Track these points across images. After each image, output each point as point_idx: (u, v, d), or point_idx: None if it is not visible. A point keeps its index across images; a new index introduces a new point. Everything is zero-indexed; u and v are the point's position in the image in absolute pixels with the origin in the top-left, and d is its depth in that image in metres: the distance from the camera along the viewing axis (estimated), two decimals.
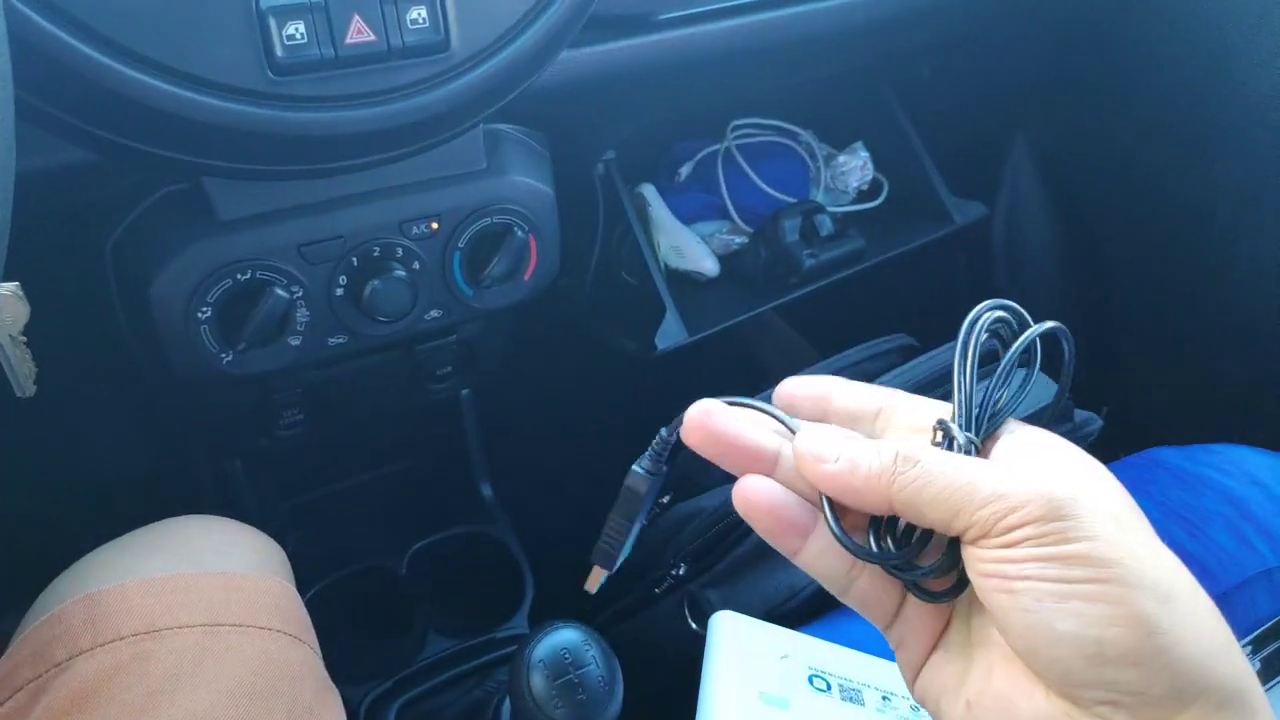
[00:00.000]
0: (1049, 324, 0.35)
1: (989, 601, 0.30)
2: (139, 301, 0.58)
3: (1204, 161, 0.89)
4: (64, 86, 0.47)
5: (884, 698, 0.57)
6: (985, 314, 0.34)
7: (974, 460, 0.31)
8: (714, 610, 0.62)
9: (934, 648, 0.33)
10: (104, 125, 0.50)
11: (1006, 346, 0.35)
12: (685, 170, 0.99)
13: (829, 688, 0.57)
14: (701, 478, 0.77)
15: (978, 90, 1.09)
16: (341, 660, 0.74)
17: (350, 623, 0.81)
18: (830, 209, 0.97)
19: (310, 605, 0.79)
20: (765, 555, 0.69)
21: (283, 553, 0.56)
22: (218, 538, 0.52)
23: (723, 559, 0.70)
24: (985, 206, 1.05)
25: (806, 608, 0.66)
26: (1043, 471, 0.31)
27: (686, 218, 0.97)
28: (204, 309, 0.57)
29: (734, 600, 0.69)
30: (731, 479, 0.74)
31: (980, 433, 0.33)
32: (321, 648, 0.55)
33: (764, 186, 0.98)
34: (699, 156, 0.99)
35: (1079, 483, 0.30)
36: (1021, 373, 0.35)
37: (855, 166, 1.02)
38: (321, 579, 0.82)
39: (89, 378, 0.74)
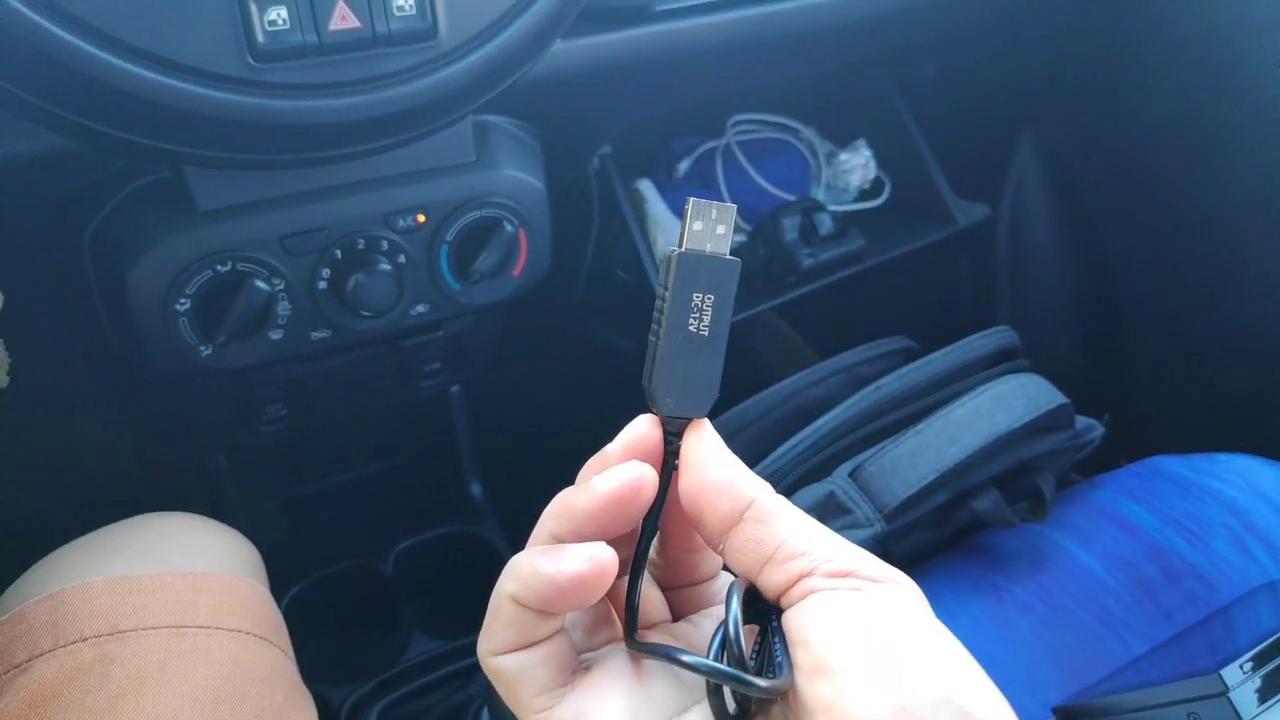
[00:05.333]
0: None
1: None
2: (117, 292, 0.57)
3: (1213, 166, 0.87)
4: (39, 72, 0.46)
5: None
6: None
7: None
8: None
9: None
10: (81, 112, 0.49)
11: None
12: (684, 166, 0.97)
13: None
14: None
15: (984, 89, 1.07)
16: (325, 661, 0.73)
17: (334, 623, 0.80)
18: (831, 208, 0.96)
19: (293, 604, 0.79)
20: None
21: (256, 552, 0.54)
22: (188, 536, 0.51)
23: None
24: (989, 208, 1.04)
25: None
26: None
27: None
28: (182, 301, 0.56)
29: None
30: None
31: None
32: (304, 648, 0.53)
33: (763, 184, 0.97)
34: (698, 153, 0.98)
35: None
36: None
37: (857, 165, 1.00)
38: (306, 577, 0.80)
39: (70, 370, 0.72)
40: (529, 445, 0.97)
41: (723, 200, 0.96)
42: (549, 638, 0.29)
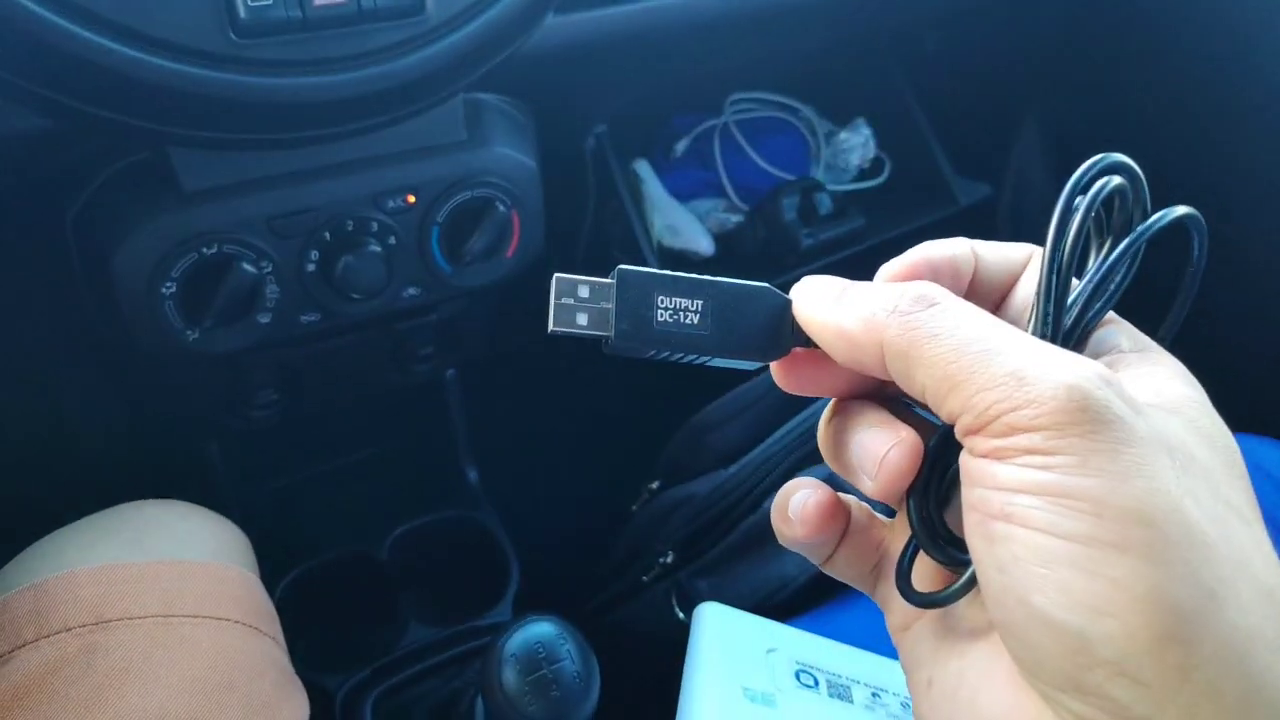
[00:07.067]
0: (1180, 210, 0.25)
1: (970, 544, 0.21)
2: (101, 276, 0.56)
3: (1220, 146, 0.86)
4: (17, 49, 0.45)
5: (874, 694, 0.55)
6: (1100, 179, 0.25)
7: (1014, 331, 0.22)
8: (703, 599, 0.60)
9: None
10: (59, 90, 0.48)
11: (1106, 230, 0.26)
12: (681, 146, 0.96)
13: (816, 684, 0.54)
14: (692, 464, 0.75)
15: (987, 67, 1.05)
16: (320, 648, 0.72)
17: (330, 609, 0.79)
18: (830, 187, 0.95)
19: (288, 592, 0.78)
20: (756, 545, 0.67)
21: (245, 539, 0.53)
22: (175, 524, 0.50)
23: (713, 548, 0.69)
24: (991, 188, 1.02)
25: (798, 599, 0.64)
26: (1095, 366, 0.21)
27: (682, 195, 0.94)
28: (168, 284, 0.55)
29: (723, 590, 0.67)
30: (721, 466, 0.72)
31: (1066, 343, 0.25)
32: (299, 635, 0.53)
33: (762, 163, 0.96)
34: (696, 132, 0.96)
35: (1156, 404, 0.21)
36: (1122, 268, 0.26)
37: (857, 144, 0.99)
38: (300, 564, 0.80)
39: (57, 355, 0.71)
40: (525, 430, 0.96)
41: (721, 179, 0.94)
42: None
